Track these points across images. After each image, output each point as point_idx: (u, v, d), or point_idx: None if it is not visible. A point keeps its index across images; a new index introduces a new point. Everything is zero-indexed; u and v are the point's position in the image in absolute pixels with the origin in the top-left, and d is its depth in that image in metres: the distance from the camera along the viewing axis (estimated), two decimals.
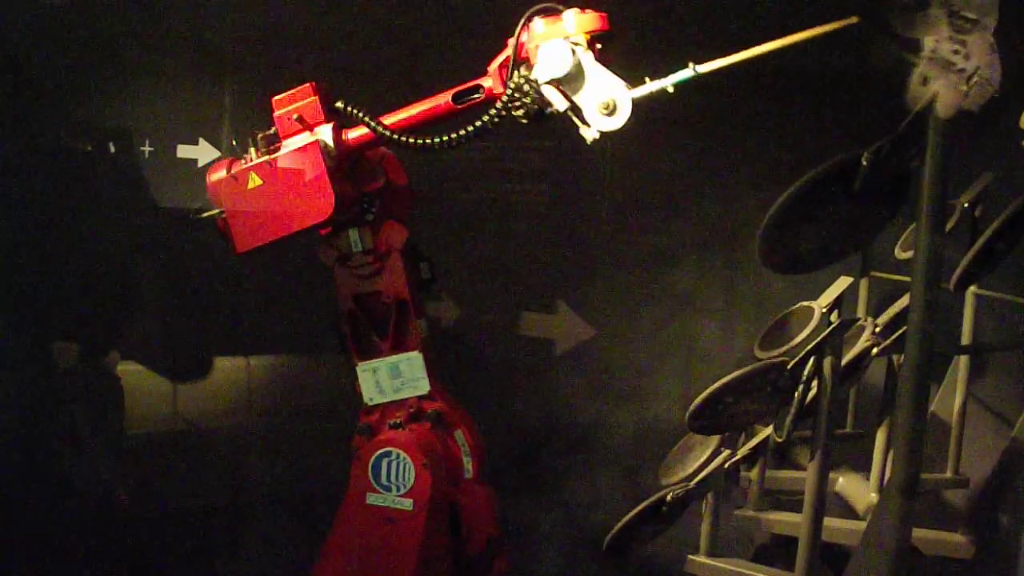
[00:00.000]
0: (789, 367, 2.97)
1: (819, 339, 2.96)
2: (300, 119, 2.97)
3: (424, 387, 3.11)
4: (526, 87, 2.70)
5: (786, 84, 4.20)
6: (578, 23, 2.73)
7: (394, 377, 3.12)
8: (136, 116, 4.34)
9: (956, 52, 2.99)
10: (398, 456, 3.00)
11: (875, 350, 3.27)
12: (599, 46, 2.75)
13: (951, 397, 3.65)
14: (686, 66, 2.61)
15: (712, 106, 4.25)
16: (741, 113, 4.23)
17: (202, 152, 4.32)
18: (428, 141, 2.84)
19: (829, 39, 4.06)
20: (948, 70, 2.97)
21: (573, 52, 2.66)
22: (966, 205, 3.50)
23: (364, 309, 3.13)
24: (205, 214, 3.11)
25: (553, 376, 4.54)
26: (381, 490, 3.02)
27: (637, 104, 2.65)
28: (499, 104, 2.74)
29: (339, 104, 2.97)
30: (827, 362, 2.94)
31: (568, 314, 4.47)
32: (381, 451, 3.02)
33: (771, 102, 4.21)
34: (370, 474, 3.03)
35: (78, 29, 4.30)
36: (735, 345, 4.36)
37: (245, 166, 3.03)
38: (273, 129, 3.04)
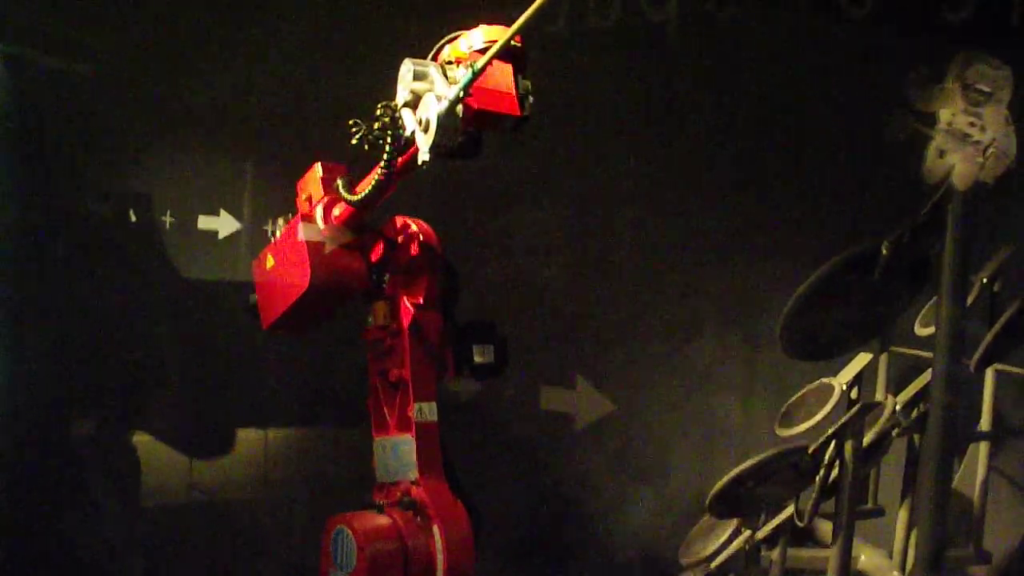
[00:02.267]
0: (811, 450, 2.96)
1: (840, 423, 2.95)
2: (308, 199, 3.07)
3: (412, 474, 2.99)
4: (382, 111, 2.62)
5: (807, 160, 4.23)
6: (472, 39, 2.70)
7: (395, 457, 3.07)
8: (158, 186, 4.38)
9: (972, 124, 3.03)
10: (347, 536, 2.91)
11: (896, 430, 3.25)
12: (479, 60, 2.57)
13: (973, 473, 3.62)
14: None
15: (732, 181, 4.29)
16: (760, 188, 4.25)
17: (223, 224, 4.35)
18: (359, 197, 2.81)
19: (853, 117, 4.11)
20: (964, 142, 2.99)
21: (425, 74, 2.58)
22: (984, 281, 3.50)
23: (383, 385, 3.11)
24: (252, 298, 3.23)
25: (572, 451, 4.51)
26: (336, 567, 2.95)
27: (444, 118, 2.49)
28: (371, 138, 2.65)
29: (338, 182, 3.01)
30: (848, 445, 2.93)
31: (587, 389, 4.46)
32: (337, 527, 2.94)
33: (791, 177, 4.23)
34: (330, 547, 2.96)
35: (102, 98, 4.36)
36: (755, 420, 4.33)
37: (267, 247, 3.16)
38: (293, 212, 3.12)
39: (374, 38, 4.34)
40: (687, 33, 4.30)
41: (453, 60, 2.67)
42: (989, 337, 3.14)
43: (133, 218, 4.40)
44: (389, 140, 2.62)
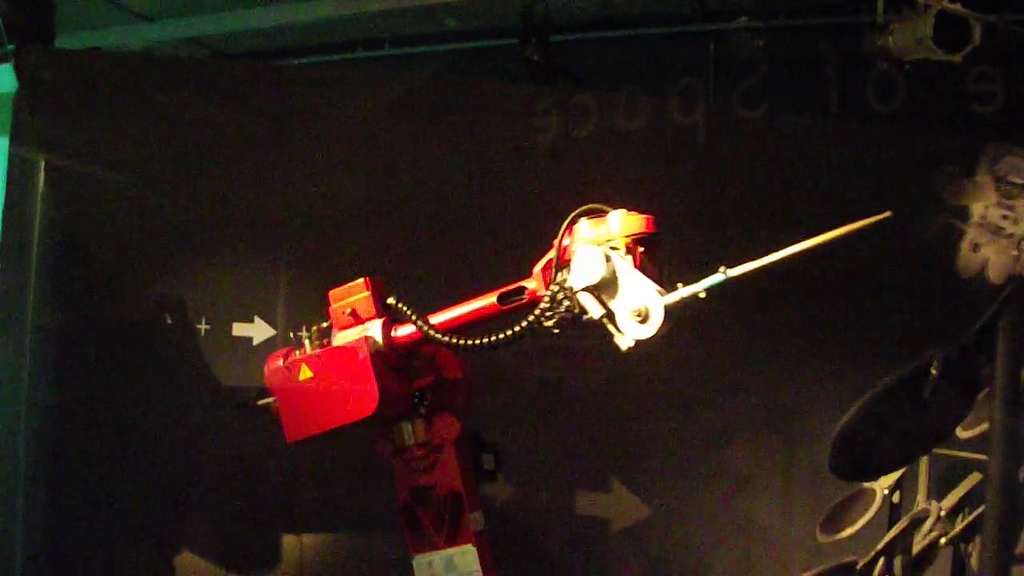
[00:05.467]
0: (859, 566, 2.90)
1: (889, 538, 2.89)
2: (353, 313, 3.04)
3: None
4: (560, 295, 2.69)
5: (840, 260, 4.21)
6: (621, 226, 2.72)
7: (449, 570, 3.06)
8: (193, 293, 4.42)
9: (1005, 217, 2.99)
10: None
11: (943, 540, 3.18)
12: (641, 249, 2.72)
13: None
14: (717, 271, 2.57)
15: (764, 284, 4.26)
16: (794, 290, 4.23)
17: (257, 330, 4.37)
18: (469, 343, 2.86)
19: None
20: (998, 236, 2.96)
21: (608, 258, 2.64)
22: None
23: (420, 501, 3.11)
24: (261, 401, 3.15)
25: (608, 557, 4.44)
26: None
27: (670, 310, 2.59)
28: (536, 312, 2.74)
29: (391, 300, 3.02)
30: (898, 561, 2.88)
31: (623, 493, 4.41)
32: None
33: (826, 279, 4.21)
34: None
35: (138, 206, 4.43)
36: (794, 524, 4.26)
37: (298, 357, 3.07)
38: (327, 322, 3.10)
39: (408, 149, 4.40)
40: (716, 134, 4.33)
41: (622, 247, 2.70)
42: None
43: (168, 324, 4.44)
44: (562, 321, 2.70)
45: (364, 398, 2.94)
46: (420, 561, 3.10)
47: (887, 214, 2.50)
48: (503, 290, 2.88)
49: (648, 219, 2.74)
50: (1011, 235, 2.97)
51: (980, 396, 3.17)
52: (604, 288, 2.64)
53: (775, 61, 4.79)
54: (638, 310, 2.58)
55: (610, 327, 2.63)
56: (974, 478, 3.26)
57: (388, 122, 4.41)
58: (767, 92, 4.44)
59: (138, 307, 4.46)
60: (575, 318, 2.69)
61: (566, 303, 2.68)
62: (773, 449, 4.35)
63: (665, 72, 4.57)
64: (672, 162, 4.37)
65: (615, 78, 4.63)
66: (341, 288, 3.09)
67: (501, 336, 2.81)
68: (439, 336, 2.91)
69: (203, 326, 4.39)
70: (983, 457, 2.99)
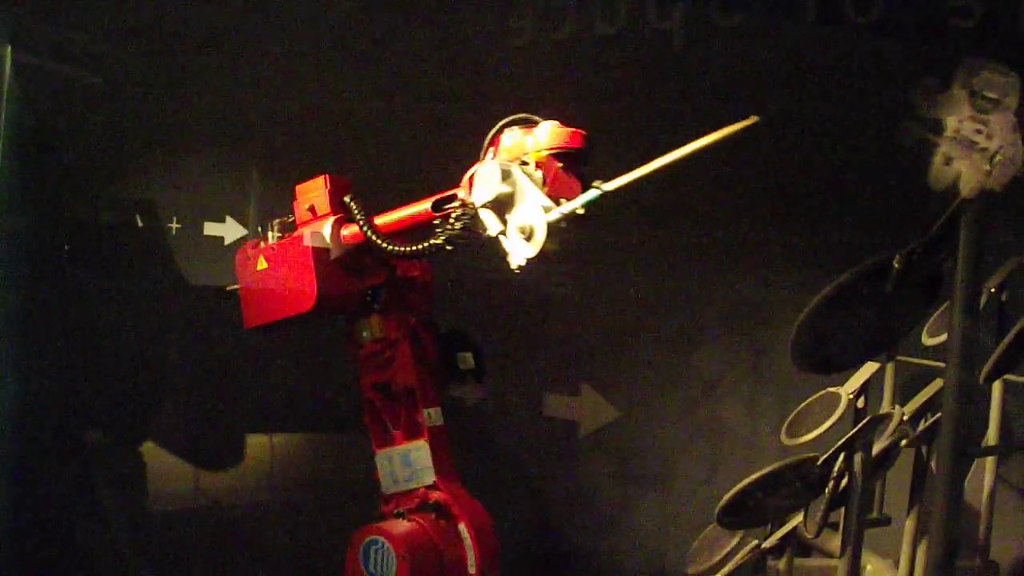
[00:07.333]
0: (819, 462, 2.96)
1: (850, 435, 2.94)
2: (311, 209, 3.06)
3: (428, 478, 3.07)
4: (460, 211, 2.64)
5: (814, 168, 4.22)
6: (545, 139, 2.66)
7: (405, 466, 3.11)
8: (164, 193, 4.38)
9: (978, 132, 3.01)
10: (383, 545, 2.96)
11: (904, 441, 3.25)
12: (560, 164, 2.65)
13: (979, 484, 3.61)
14: (591, 187, 2.53)
15: (738, 189, 4.27)
16: (766, 196, 4.24)
17: (228, 230, 4.35)
18: (396, 249, 2.84)
19: (860, 125, 4.10)
20: (971, 150, 2.98)
21: (508, 174, 2.57)
22: (992, 290, 3.48)
23: (384, 397, 3.13)
24: (230, 287, 3.26)
25: (576, 459, 4.51)
26: None
27: (552, 228, 2.51)
28: (438, 229, 2.70)
29: (346, 199, 3.02)
30: (858, 457, 2.93)
31: (591, 396, 4.45)
32: (369, 538, 2.99)
33: (798, 187, 4.22)
34: (360, 560, 3.00)
35: (109, 106, 4.36)
36: (760, 429, 4.33)
37: (261, 248, 3.16)
38: (292, 216, 3.12)
39: (380, 46, 4.34)
40: (692, 41, 4.29)
41: (532, 161, 2.64)
42: (1000, 349, 3.12)
43: (139, 224, 4.41)
44: (462, 237, 2.65)
45: (304, 294, 2.98)
46: (381, 457, 3.15)
47: (754, 119, 2.46)
48: (437, 196, 2.84)
49: (574, 133, 2.69)
50: (984, 150, 2.99)
51: (944, 306, 3.23)
52: (504, 205, 2.58)
53: None
54: (523, 227, 2.53)
55: (504, 245, 2.58)
56: (936, 384, 3.31)
57: (360, 15, 4.34)
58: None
59: (108, 206, 4.43)
60: (472, 235, 2.64)
61: (465, 219, 2.62)
62: (741, 354, 4.41)
63: None
64: (646, 66, 4.34)
65: None
66: (307, 183, 3.11)
67: (418, 247, 2.77)
68: (375, 238, 2.90)
69: (174, 225, 4.37)
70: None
